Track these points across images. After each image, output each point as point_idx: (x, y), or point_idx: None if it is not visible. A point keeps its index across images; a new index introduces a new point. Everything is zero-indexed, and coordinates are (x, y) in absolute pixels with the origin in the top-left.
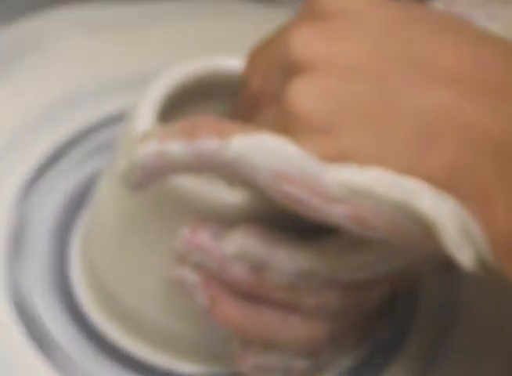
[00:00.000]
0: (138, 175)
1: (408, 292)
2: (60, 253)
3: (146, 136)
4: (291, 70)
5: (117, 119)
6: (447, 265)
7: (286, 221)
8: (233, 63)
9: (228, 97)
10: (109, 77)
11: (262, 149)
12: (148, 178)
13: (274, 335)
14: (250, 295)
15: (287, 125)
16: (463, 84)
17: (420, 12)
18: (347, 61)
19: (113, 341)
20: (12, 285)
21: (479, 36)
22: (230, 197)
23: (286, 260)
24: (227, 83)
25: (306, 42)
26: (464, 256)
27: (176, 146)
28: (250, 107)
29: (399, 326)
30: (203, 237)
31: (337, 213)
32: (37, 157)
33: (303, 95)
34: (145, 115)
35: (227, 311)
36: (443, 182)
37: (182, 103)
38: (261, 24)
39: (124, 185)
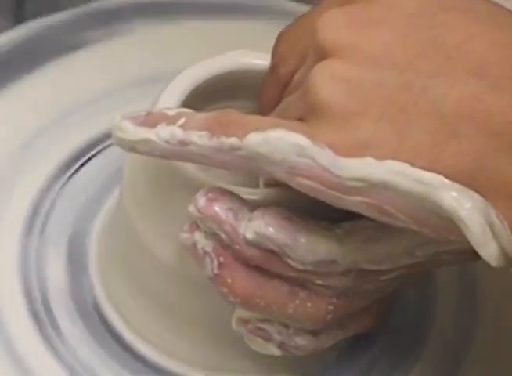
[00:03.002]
0: (156, 154)
1: (424, 283)
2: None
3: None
4: (319, 55)
5: None
6: (471, 257)
7: (309, 203)
8: (257, 60)
9: (252, 94)
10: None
11: (277, 144)
12: (163, 158)
13: (280, 308)
14: (260, 267)
15: (307, 111)
16: (489, 77)
17: None
18: (374, 48)
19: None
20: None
21: None
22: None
23: (306, 250)
24: (251, 79)
25: (334, 28)
26: (489, 252)
27: (197, 138)
28: (280, 93)
29: (413, 320)
30: (218, 209)
31: (356, 204)
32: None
33: (325, 81)
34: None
35: (236, 280)
36: (465, 177)
37: (205, 99)
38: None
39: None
